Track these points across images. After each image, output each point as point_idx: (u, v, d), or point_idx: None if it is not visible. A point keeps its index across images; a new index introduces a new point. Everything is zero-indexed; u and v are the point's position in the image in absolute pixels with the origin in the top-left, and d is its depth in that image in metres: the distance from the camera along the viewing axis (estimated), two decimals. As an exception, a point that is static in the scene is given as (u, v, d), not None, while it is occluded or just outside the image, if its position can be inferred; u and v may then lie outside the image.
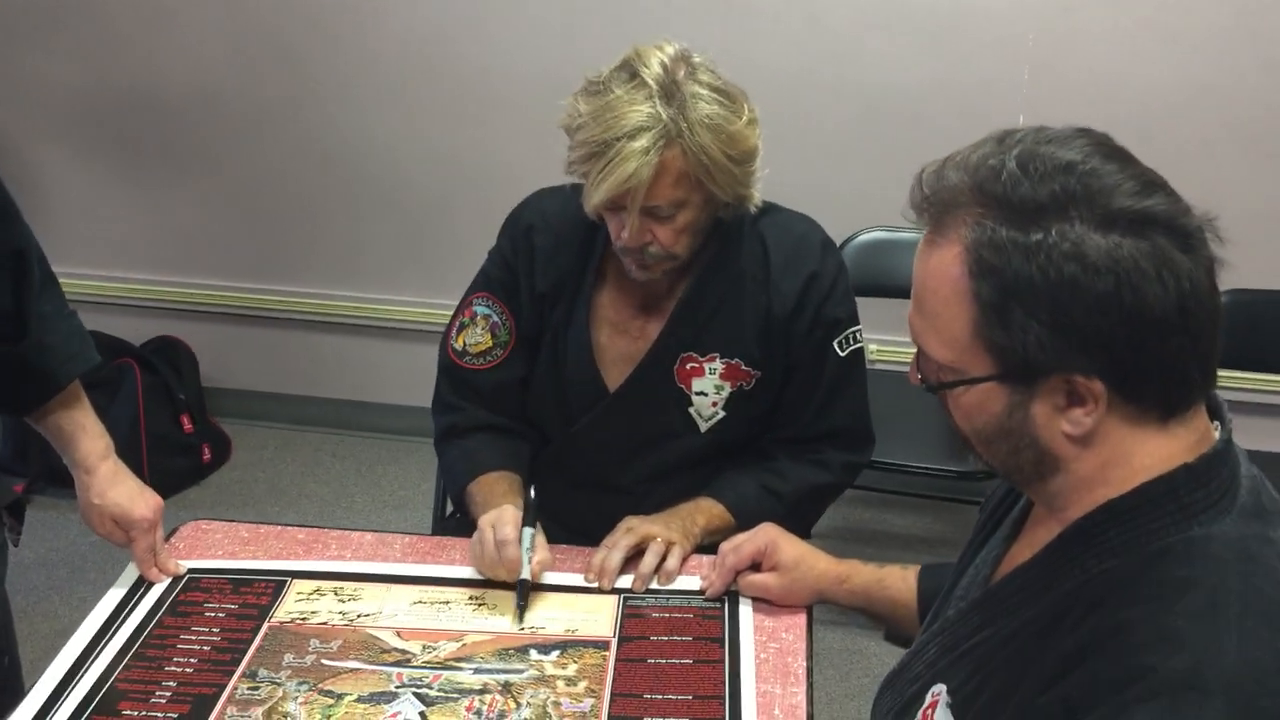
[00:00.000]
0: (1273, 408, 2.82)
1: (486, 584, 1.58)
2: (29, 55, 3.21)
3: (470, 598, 1.56)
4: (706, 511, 1.69)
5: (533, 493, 1.62)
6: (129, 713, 1.36)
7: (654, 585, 1.57)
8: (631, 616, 1.52)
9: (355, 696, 1.38)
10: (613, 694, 1.38)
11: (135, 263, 3.42)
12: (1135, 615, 0.94)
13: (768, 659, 1.45)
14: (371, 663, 1.44)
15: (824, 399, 1.74)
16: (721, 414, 1.75)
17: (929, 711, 1.11)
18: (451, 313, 1.84)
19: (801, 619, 1.52)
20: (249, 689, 1.39)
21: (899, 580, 1.51)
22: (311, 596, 1.55)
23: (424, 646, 1.46)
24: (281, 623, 1.50)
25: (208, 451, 3.32)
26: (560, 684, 1.40)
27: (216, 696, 1.38)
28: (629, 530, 1.60)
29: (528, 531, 1.56)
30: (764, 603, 1.54)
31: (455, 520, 1.99)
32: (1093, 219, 0.93)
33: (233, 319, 3.45)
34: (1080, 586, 1.00)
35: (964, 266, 0.97)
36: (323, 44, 3.10)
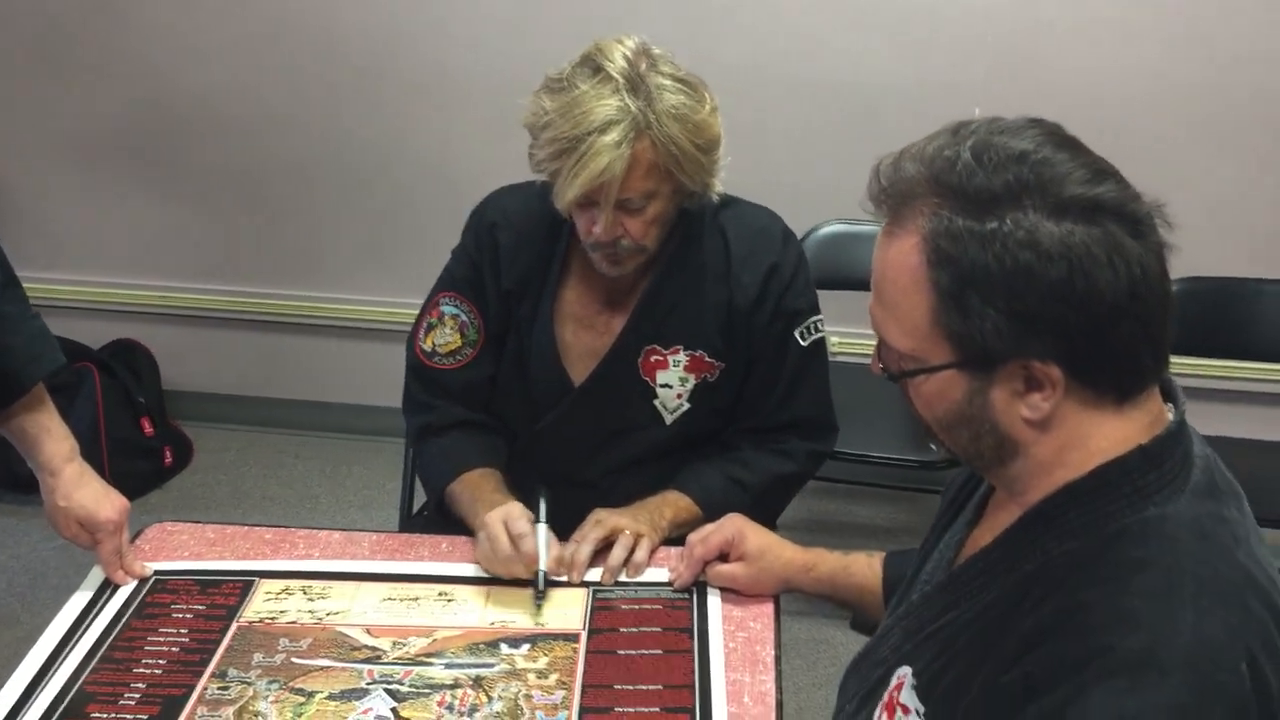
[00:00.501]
0: (1225, 393, 2.87)
1: (458, 580, 1.58)
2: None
3: (440, 594, 1.56)
4: (673, 504, 1.70)
5: (543, 495, 1.62)
6: (98, 715, 1.35)
7: (623, 578, 1.58)
8: (601, 609, 1.53)
9: (326, 694, 1.38)
10: (584, 685, 1.40)
11: (91, 265, 3.39)
12: (1093, 596, 0.96)
13: (736, 648, 1.46)
14: (342, 660, 1.44)
15: (787, 389, 1.76)
16: (686, 406, 1.76)
17: (895, 693, 1.13)
18: (414, 311, 1.85)
19: (769, 608, 1.54)
20: (219, 689, 1.39)
21: (864, 567, 1.54)
22: (280, 596, 1.55)
23: (394, 643, 1.47)
24: (250, 622, 1.50)
25: (169, 455, 3.30)
26: (531, 677, 1.41)
27: (186, 697, 1.38)
28: (597, 523, 1.61)
29: (542, 527, 1.57)
30: (732, 593, 1.55)
31: (423, 518, 1.99)
32: (1045, 207, 0.95)
33: (192, 321, 3.43)
34: (1040, 568, 1.02)
35: (922, 256, 0.99)
36: (278, 43, 3.08)
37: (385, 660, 1.44)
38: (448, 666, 1.43)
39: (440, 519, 1.81)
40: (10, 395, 1.49)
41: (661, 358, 1.73)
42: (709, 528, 1.58)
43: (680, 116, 1.54)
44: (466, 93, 3.04)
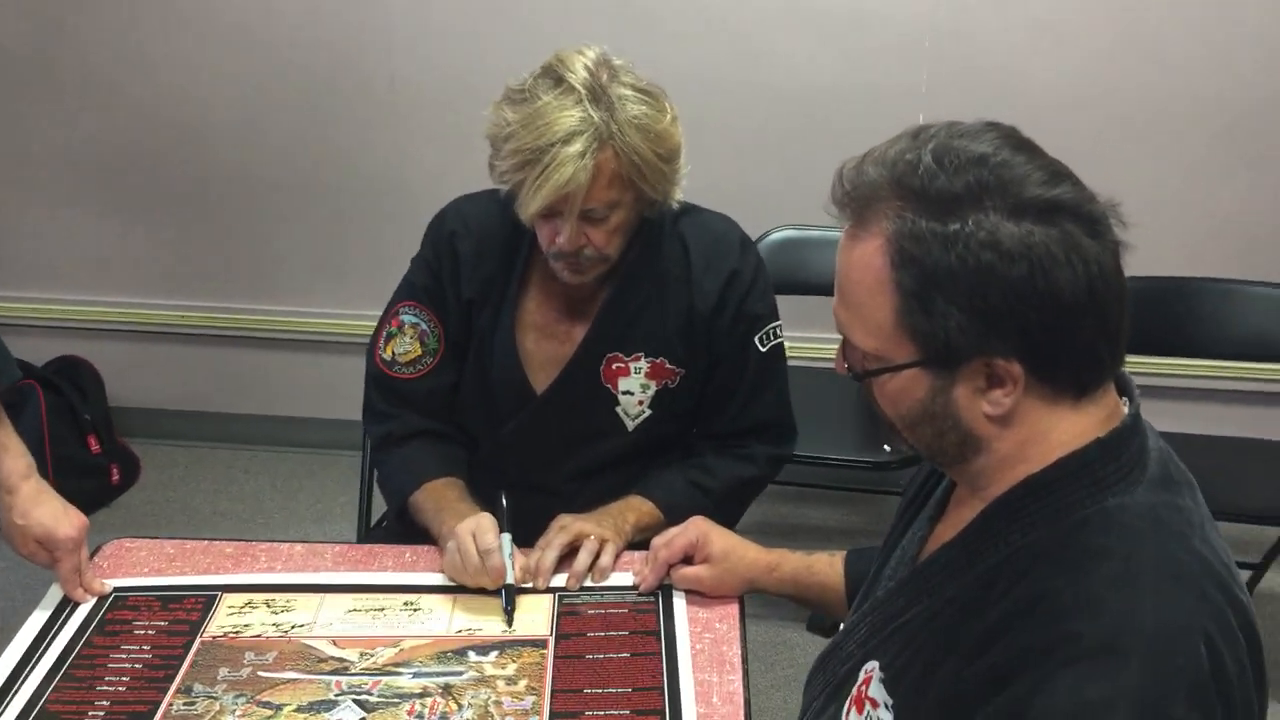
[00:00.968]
0: (1160, 389, 2.94)
1: (424, 589, 1.58)
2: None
3: (405, 603, 1.56)
4: (636, 509, 1.72)
5: (505, 500, 1.62)
6: (62, 733, 1.34)
7: (588, 582, 1.59)
8: (568, 614, 1.54)
9: (295, 706, 1.37)
10: (553, 690, 1.40)
11: (34, 281, 3.33)
12: (1057, 585, 0.99)
13: (703, 649, 1.48)
14: (309, 672, 1.43)
15: (747, 394, 1.78)
16: (648, 412, 1.78)
17: (863, 688, 1.15)
18: (364, 323, 1.83)
19: (734, 609, 1.55)
20: (185, 704, 1.38)
21: (826, 566, 1.56)
22: (243, 610, 1.54)
23: (361, 654, 1.46)
24: (214, 637, 1.49)
25: (116, 472, 3.25)
26: (500, 684, 1.41)
27: (152, 713, 1.36)
28: (562, 529, 1.62)
29: (506, 537, 1.57)
30: (697, 595, 1.57)
31: (382, 529, 1.99)
32: (1005, 208, 0.98)
33: (138, 336, 3.38)
34: (1004, 560, 1.05)
35: (886, 258, 1.01)
36: (226, 55, 3.05)
37: (353, 671, 1.44)
38: (416, 675, 1.43)
39: (401, 529, 1.81)
40: (-36, 412, 1.46)
41: (623, 365, 1.74)
42: (673, 531, 1.59)
43: (642, 126, 1.56)
44: (416, 103, 3.04)
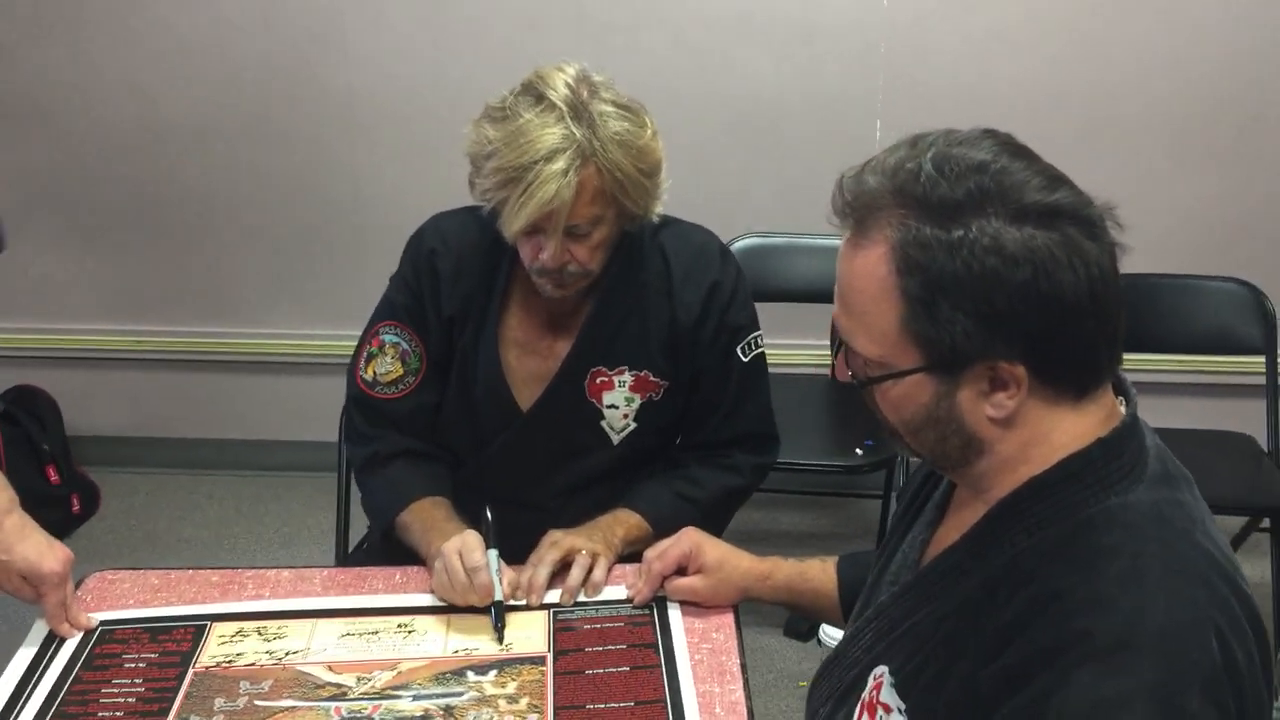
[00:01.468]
0: (1153, 385, 2.98)
1: (417, 610, 1.57)
2: None
3: (399, 625, 1.55)
4: (624, 522, 1.72)
5: (489, 514, 1.61)
6: (58, 773, 1.31)
7: (581, 597, 1.59)
8: (563, 630, 1.53)
9: (295, 734, 1.36)
10: (556, 707, 1.40)
11: (-15, 310, 3.27)
12: (1066, 584, 1.00)
13: (703, 659, 1.48)
14: (307, 699, 1.41)
15: (731, 405, 1.79)
16: (633, 425, 1.78)
17: (874, 693, 1.16)
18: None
19: (729, 618, 1.56)
20: (182, 737, 1.36)
21: (819, 571, 1.57)
22: (235, 639, 1.52)
23: (359, 678, 1.45)
24: (207, 667, 1.47)
25: (76, 502, 3.19)
26: (502, 703, 1.41)
27: (149, 748, 1.34)
28: (553, 544, 1.61)
29: (493, 553, 1.56)
30: (691, 605, 1.57)
31: (363, 551, 1.97)
32: (1007, 214, 0.99)
33: (94, 363, 3.32)
34: (1010, 561, 1.06)
35: (890, 265, 1.02)
36: (177, 74, 3.02)
37: (352, 696, 1.42)
38: (416, 698, 1.42)
39: (385, 551, 1.79)
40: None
41: (607, 379, 1.74)
42: (666, 543, 1.59)
43: (624, 142, 1.56)
44: (373, 121, 3.01)
